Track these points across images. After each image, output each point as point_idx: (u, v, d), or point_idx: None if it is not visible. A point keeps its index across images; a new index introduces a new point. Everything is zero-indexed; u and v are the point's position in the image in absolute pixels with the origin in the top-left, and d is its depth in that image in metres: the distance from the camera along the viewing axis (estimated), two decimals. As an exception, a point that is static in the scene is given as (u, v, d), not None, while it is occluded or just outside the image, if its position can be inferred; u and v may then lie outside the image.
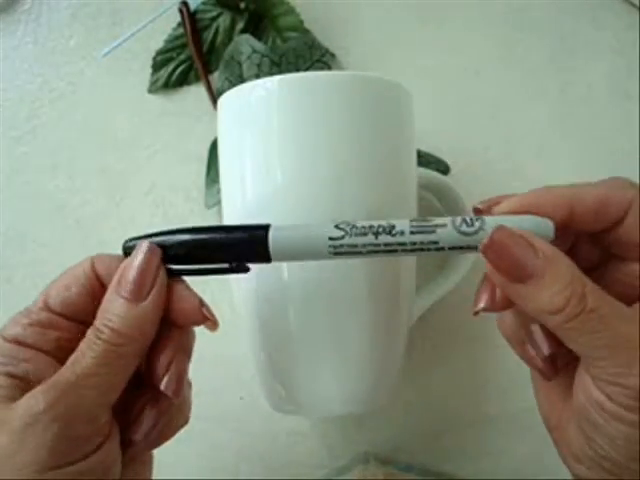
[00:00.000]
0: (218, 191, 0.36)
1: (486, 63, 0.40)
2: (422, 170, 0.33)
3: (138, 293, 0.22)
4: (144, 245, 0.23)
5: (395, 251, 0.22)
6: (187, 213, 0.39)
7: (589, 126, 0.39)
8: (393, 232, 0.22)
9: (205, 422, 0.37)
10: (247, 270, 0.24)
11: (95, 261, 0.24)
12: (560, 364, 0.23)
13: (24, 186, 0.40)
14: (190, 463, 0.37)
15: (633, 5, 0.39)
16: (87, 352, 0.22)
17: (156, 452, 0.37)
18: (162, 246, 0.23)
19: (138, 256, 0.23)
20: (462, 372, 0.38)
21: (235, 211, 0.30)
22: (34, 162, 0.40)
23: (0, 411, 0.20)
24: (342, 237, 0.22)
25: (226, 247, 0.23)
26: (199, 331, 0.38)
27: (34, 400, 0.20)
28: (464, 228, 0.21)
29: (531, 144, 0.39)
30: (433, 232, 0.22)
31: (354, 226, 0.22)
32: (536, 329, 0.23)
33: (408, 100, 0.30)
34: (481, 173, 0.39)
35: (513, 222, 0.21)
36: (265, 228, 0.23)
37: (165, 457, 0.37)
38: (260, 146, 0.28)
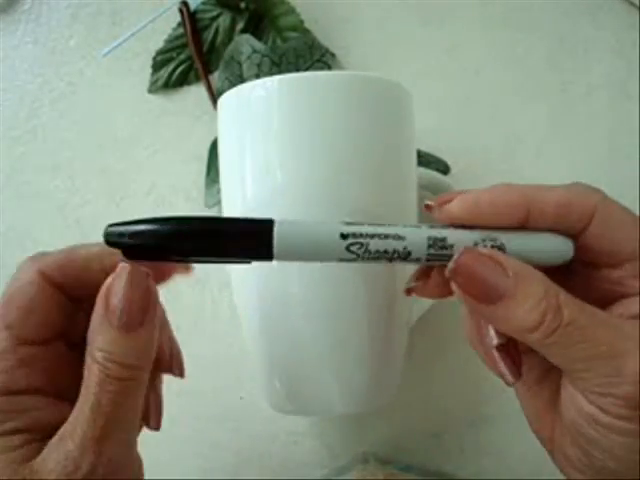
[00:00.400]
0: (218, 191, 0.36)
1: (486, 63, 0.40)
2: (422, 170, 0.33)
3: (130, 324, 0.20)
4: (125, 269, 0.20)
5: (405, 259, 0.21)
6: (187, 213, 0.39)
7: (589, 126, 0.39)
8: (408, 259, 0.21)
9: (205, 422, 0.37)
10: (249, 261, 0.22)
11: (42, 268, 0.22)
12: (537, 373, 0.23)
13: (24, 186, 0.40)
14: (190, 463, 0.37)
15: (633, 5, 0.39)
16: (103, 396, 0.20)
17: (156, 452, 0.37)
18: (144, 235, 0.20)
19: (121, 282, 0.20)
20: (462, 372, 0.38)
21: (235, 211, 0.30)
22: (34, 162, 0.40)
23: (23, 470, 0.19)
24: (354, 260, 0.20)
25: (223, 241, 0.20)
26: (199, 332, 0.38)
27: (71, 463, 0.19)
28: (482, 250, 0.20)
29: (531, 144, 0.39)
30: (450, 256, 0.21)
31: (367, 250, 0.20)
32: (495, 353, 0.22)
33: (408, 100, 0.30)
34: (481, 173, 0.39)
35: (532, 240, 0.21)
36: (269, 223, 0.20)
37: (165, 457, 0.37)
38: (260, 146, 0.28)
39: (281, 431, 0.37)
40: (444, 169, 0.37)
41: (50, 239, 0.39)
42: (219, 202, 0.36)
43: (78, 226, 0.39)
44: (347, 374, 0.29)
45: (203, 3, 0.39)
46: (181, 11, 0.39)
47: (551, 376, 0.23)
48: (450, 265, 0.20)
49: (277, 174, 0.28)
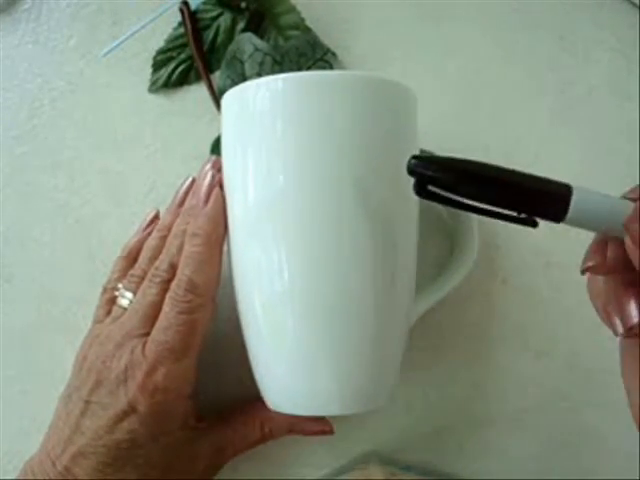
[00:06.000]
0: (219, 190, 0.36)
1: (486, 63, 0.40)
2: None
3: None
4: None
5: None
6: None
7: (589, 126, 0.39)
8: None
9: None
10: (535, 225, 0.23)
11: None
12: None
13: (24, 186, 0.40)
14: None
15: (633, 4, 0.39)
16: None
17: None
18: (453, 171, 0.22)
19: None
20: (462, 372, 0.38)
21: (238, 210, 0.30)
22: (34, 162, 0.40)
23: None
24: None
25: (522, 195, 0.22)
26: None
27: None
28: None
29: (531, 144, 0.39)
30: None
31: None
32: (630, 299, 0.22)
33: (414, 102, 0.30)
34: (481, 173, 0.38)
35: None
36: (568, 188, 0.22)
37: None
38: (263, 145, 0.28)
39: (281, 431, 0.37)
40: (445, 169, 0.37)
41: (50, 239, 0.39)
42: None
43: (78, 226, 0.39)
44: (347, 374, 0.29)
45: (204, 3, 0.39)
46: (181, 11, 0.39)
47: None
48: (628, 214, 0.20)
49: (280, 173, 0.28)
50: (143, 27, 0.39)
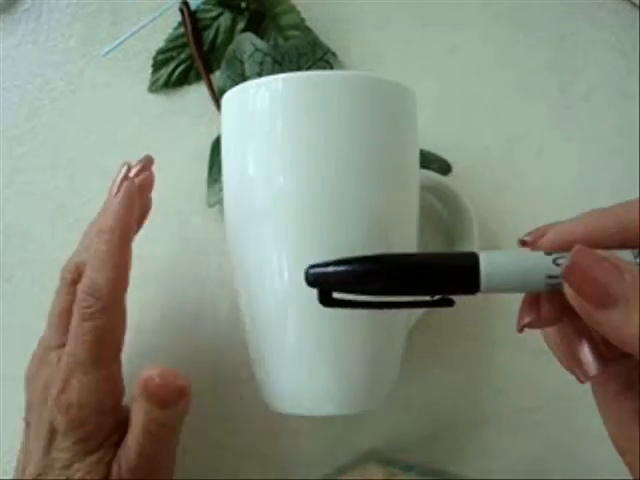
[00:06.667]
0: (220, 190, 0.36)
1: (486, 63, 0.40)
2: (422, 171, 0.34)
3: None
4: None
5: None
6: (188, 213, 0.39)
7: (589, 126, 0.39)
8: None
9: (205, 422, 0.37)
10: (452, 304, 0.22)
11: None
12: (623, 380, 0.22)
13: (24, 186, 0.40)
14: (190, 463, 0.37)
15: (633, 4, 0.39)
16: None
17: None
18: (355, 271, 0.21)
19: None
20: (462, 372, 0.38)
21: (237, 210, 0.30)
22: (34, 162, 0.40)
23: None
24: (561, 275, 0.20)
25: (427, 277, 0.21)
26: (199, 331, 0.38)
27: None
28: None
29: (531, 144, 0.39)
30: None
31: None
32: (584, 348, 0.21)
33: (413, 102, 0.30)
34: (481, 173, 0.39)
35: None
36: (473, 257, 0.20)
37: (165, 457, 0.37)
38: (264, 145, 0.28)
39: (281, 431, 0.37)
40: (446, 168, 0.37)
41: (50, 239, 0.39)
42: (221, 201, 0.36)
43: (78, 226, 0.39)
44: (346, 374, 0.29)
45: (204, 3, 0.39)
46: (182, 11, 0.39)
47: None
48: (564, 262, 0.19)
49: (280, 173, 0.28)
50: (143, 27, 0.39)
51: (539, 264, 0.20)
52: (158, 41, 0.39)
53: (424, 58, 0.40)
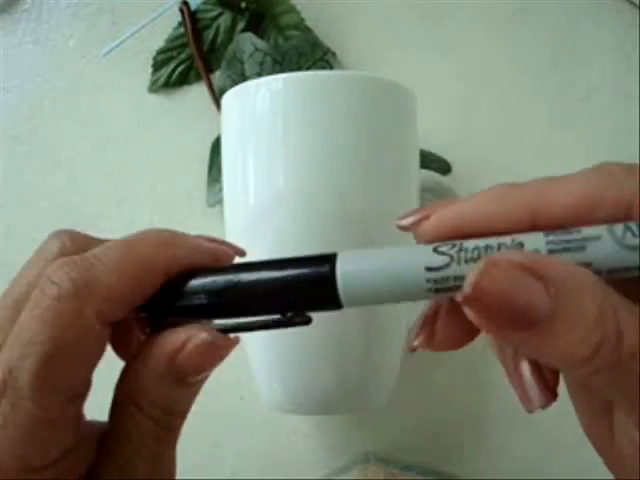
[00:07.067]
0: (220, 189, 0.36)
1: (486, 63, 0.40)
2: (422, 171, 0.34)
3: (193, 382, 0.18)
4: (204, 341, 0.17)
5: None
6: (188, 213, 0.39)
7: (589, 126, 0.39)
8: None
9: (205, 421, 0.37)
10: (309, 322, 0.17)
11: (102, 311, 0.16)
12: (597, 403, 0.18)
13: (24, 186, 0.40)
14: (190, 462, 0.37)
15: (633, 4, 0.39)
16: (161, 447, 0.18)
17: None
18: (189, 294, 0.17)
19: (194, 348, 0.17)
20: (462, 372, 0.38)
21: (237, 210, 0.30)
22: (34, 162, 0.40)
23: None
24: (446, 265, 0.15)
25: (276, 293, 0.16)
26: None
27: None
28: (630, 240, 0.14)
29: (531, 143, 0.39)
30: (582, 249, 0.15)
31: (461, 248, 0.15)
32: (525, 371, 0.18)
33: (414, 103, 0.30)
34: (481, 173, 0.39)
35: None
36: (330, 260, 0.16)
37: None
38: (263, 145, 0.28)
39: (281, 431, 0.37)
40: (446, 168, 0.37)
41: (50, 239, 0.39)
42: (221, 201, 0.36)
43: (78, 226, 0.39)
44: (347, 374, 0.29)
45: (204, 3, 0.39)
46: (182, 11, 0.39)
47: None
48: (463, 290, 0.14)
49: (280, 174, 0.28)
50: (143, 27, 0.39)
51: (415, 256, 0.15)
52: (158, 41, 0.39)
53: (424, 58, 0.40)
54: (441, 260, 0.15)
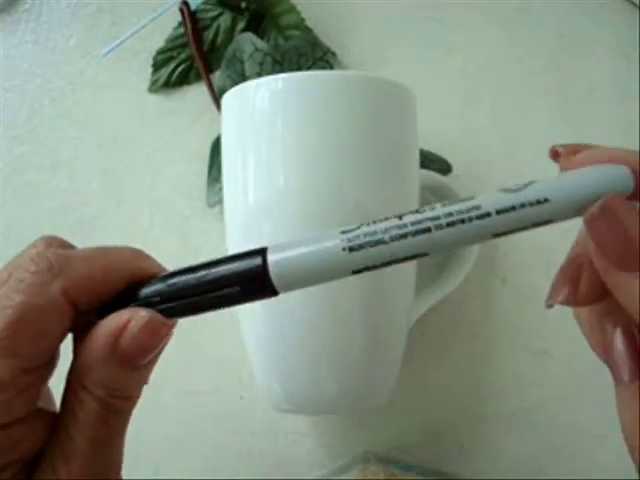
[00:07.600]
0: (220, 190, 0.36)
1: (486, 63, 0.40)
2: (422, 171, 0.34)
3: (140, 365, 0.19)
4: (143, 318, 0.18)
5: (428, 230, 0.17)
6: (187, 213, 0.39)
7: (589, 126, 0.39)
8: (421, 209, 0.18)
9: (205, 421, 0.37)
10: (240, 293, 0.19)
11: (67, 287, 0.18)
12: None
13: (24, 186, 0.40)
14: (190, 462, 0.37)
15: (634, 4, 0.39)
16: (102, 431, 0.19)
17: (156, 451, 0.37)
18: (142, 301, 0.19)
19: (135, 327, 0.18)
20: (462, 372, 0.38)
21: (237, 210, 0.30)
22: (34, 162, 0.40)
23: None
24: (357, 227, 0.18)
25: (218, 288, 0.18)
26: (199, 332, 0.38)
27: None
28: (508, 187, 0.17)
29: (531, 144, 0.39)
30: (471, 198, 0.17)
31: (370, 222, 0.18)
32: (617, 337, 0.18)
33: (413, 102, 0.30)
34: (481, 173, 0.39)
35: (577, 175, 0.17)
36: (261, 252, 0.18)
37: (165, 456, 0.37)
38: (263, 145, 0.28)
39: (281, 431, 0.37)
40: (446, 168, 0.37)
41: (50, 239, 0.39)
42: (221, 201, 0.36)
43: (78, 226, 0.39)
44: (346, 374, 0.29)
45: (204, 3, 0.39)
46: (182, 10, 0.39)
47: None
48: (591, 209, 0.16)
49: (280, 173, 0.28)
50: (143, 27, 0.39)
51: (332, 234, 0.18)
52: (158, 41, 0.39)
53: (424, 58, 0.40)
54: (354, 226, 0.18)
